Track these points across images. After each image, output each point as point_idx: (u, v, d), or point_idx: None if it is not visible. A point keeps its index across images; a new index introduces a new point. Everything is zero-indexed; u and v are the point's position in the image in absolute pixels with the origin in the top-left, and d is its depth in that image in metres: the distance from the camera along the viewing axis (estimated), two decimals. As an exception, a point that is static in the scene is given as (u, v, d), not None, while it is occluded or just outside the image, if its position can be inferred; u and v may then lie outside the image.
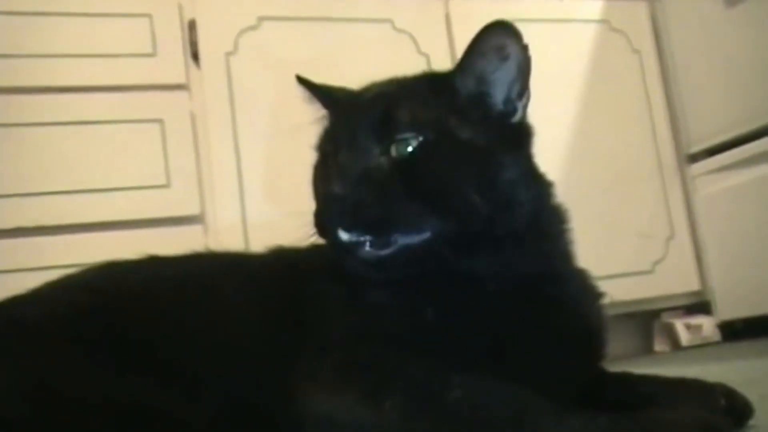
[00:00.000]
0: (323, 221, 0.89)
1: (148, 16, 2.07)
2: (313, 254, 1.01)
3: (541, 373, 0.84)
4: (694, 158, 2.47)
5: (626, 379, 0.97)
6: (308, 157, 2.06)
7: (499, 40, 0.93)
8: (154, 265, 1.03)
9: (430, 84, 0.97)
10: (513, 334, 0.86)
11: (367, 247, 0.86)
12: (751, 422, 0.88)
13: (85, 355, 0.83)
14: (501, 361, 0.83)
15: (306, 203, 2.09)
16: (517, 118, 0.94)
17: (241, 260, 1.06)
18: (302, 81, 1.07)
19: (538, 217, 0.93)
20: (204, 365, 0.87)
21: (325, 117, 1.04)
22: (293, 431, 0.79)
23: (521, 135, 0.95)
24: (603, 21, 2.53)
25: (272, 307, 0.93)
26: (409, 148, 0.87)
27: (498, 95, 0.94)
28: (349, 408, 0.78)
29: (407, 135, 0.88)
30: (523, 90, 0.94)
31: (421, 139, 0.87)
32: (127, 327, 0.88)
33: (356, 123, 0.93)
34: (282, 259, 1.03)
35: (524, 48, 0.93)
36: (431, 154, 0.87)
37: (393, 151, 0.88)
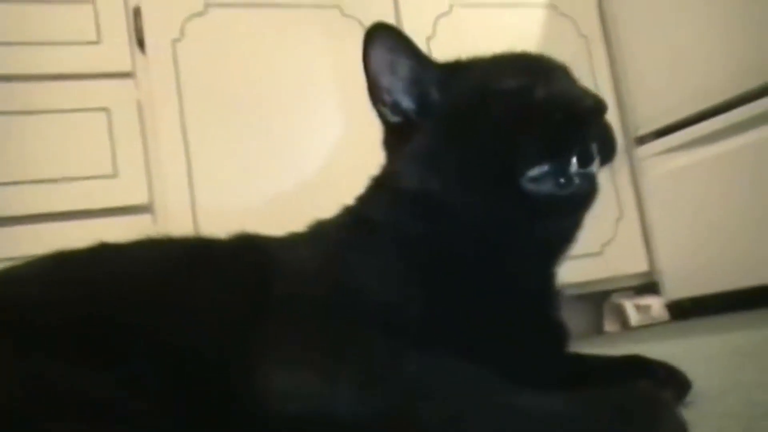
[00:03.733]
0: (600, 104, 0.91)
1: (92, 2, 2.04)
2: (278, 240, 1.01)
3: (515, 361, 0.85)
4: (642, 140, 2.50)
5: (575, 358, 0.99)
6: (256, 144, 2.05)
7: None
8: (106, 253, 1.01)
9: None
10: (492, 323, 0.88)
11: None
12: (692, 396, 0.90)
13: (35, 347, 0.82)
14: (475, 348, 0.85)
15: (254, 192, 2.09)
16: None
17: (203, 245, 1.06)
18: None
19: None
20: (163, 349, 0.86)
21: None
22: (254, 409, 0.79)
23: None
24: (551, 6, 2.54)
25: (236, 290, 0.93)
26: None
27: None
28: (306, 380, 0.78)
29: None
30: None
31: None
32: (79, 317, 0.87)
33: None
34: (246, 244, 1.03)
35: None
36: None
37: None
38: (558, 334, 0.98)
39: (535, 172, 0.88)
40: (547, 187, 0.89)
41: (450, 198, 0.93)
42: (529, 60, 1.00)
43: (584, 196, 0.93)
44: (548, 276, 0.99)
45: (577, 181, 0.90)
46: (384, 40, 1.00)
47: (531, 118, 0.90)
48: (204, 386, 0.83)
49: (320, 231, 1.03)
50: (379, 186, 1.03)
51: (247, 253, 1.00)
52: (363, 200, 1.03)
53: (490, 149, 0.91)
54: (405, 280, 0.89)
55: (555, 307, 0.99)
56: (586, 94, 0.93)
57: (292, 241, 1.03)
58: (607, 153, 0.94)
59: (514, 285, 0.93)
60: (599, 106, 0.91)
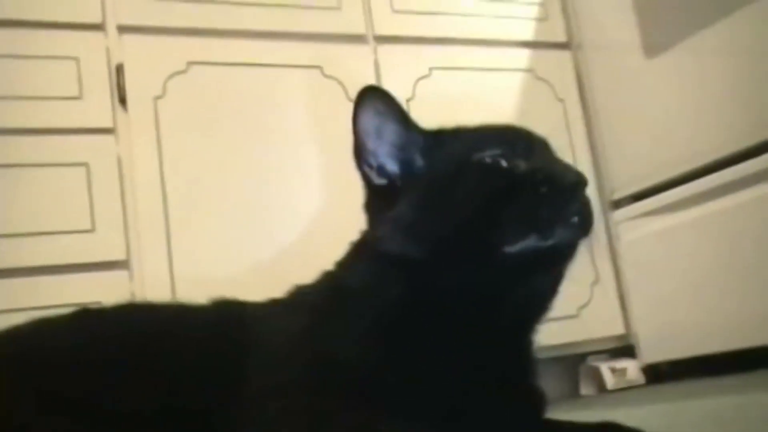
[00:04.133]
0: (581, 178, 0.94)
1: (75, 59, 2.04)
2: (257, 307, 1.01)
3: (491, 428, 0.85)
4: (617, 204, 2.52)
5: (551, 425, 0.99)
6: (233, 204, 2.06)
7: None
8: (87, 319, 1.01)
9: None
10: (469, 392, 0.88)
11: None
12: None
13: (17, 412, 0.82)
14: (451, 415, 0.85)
15: (235, 249, 2.08)
16: None
17: (182, 312, 1.05)
18: None
19: None
20: (142, 418, 0.85)
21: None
22: None
23: None
24: (528, 70, 2.58)
25: (214, 358, 0.93)
26: None
27: None
28: None
29: None
30: None
31: None
32: (60, 386, 0.86)
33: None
34: (225, 311, 1.03)
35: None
36: None
37: None
38: (535, 401, 0.98)
39: (516, 247, 0.89)
40: (529, 243, 0.90)
41: (430, 265, 0.93)
42: (511, 132, 1.01)
43: (566, 246, 0.94)
44: (526, 343, 1.00)
45: (558, 232, 0.90)
46: (374, 103, 1.01)
47: (513, 193, 0.91)
48: None
49: (299, 298, 1.03)
50: (360, 251, 1.03)
51: (226, 320, 1.00)
52: (342, 266, 1.04)
53: (472, 222, 0.92)
54: (382, 349, 0.89)
55: (532, 374, 0.99)
56: (567, 168, 0.94)
57: (271, 307, 1.03)
58: (586, 228, 0.95)
59: (492, 353, 0.93)
60: (580, 181, 0.92)
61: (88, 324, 0.99)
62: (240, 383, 0.87)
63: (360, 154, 1.01)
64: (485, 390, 0.90)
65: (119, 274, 1.97)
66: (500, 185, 0.92)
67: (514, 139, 0.99)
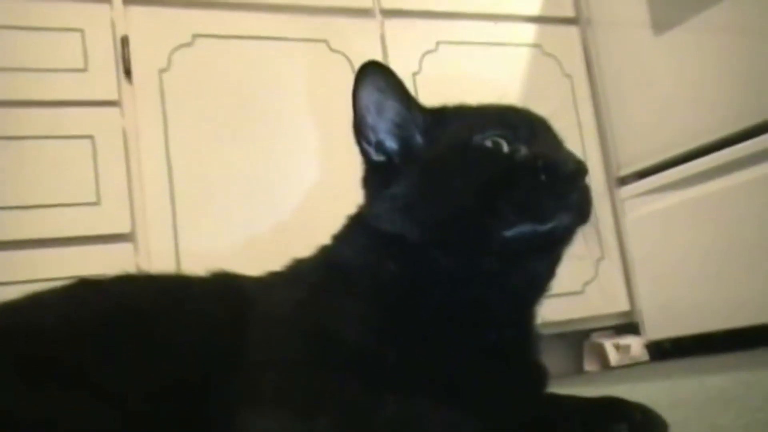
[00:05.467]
0: (581, 167, 0.91)
1: (80, 31, 2.04)
2: (256, 281, 1.01)
3: (491, 404, 0.85)
4: (624, 181, 2.52)
5: (553, 400, 0.99)
6: (238, 177, 2.05)
7: None
8: (84, 289, 1.01)
9: None
10: (468, 367, 0.89)
11: None
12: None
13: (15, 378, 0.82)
14: (450, 391, 0.85)
15: (237, 222, 2.08)
16: None
17: (181, 283, 1.05)
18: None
19: None
20: (140, 389, 0.86)
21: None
22: None
23: None
24: (536, 45, 2.57)
25: (213, 330, 0.93)
26: None
27: None
28: (283, 425, 0.78)
29: None
30: None
31: None
32: (55, 356, 0.87)
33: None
34: (225, 284, 1.03)
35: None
36: None
37: None
38: (536, 375, 0.98)
39: (512, 232, 0.89)
40: (527, 227, 0.89)
41: (426, 246, 0.93)
42: (513, 115, 1.00)
43: (564, 231, 0.93)
44: (527, 317, 1.00)
45: (557, 217, 0.90)
46: (375, 79, 1.00)
47: (513, 179, 0.90)
48: (181, 425, 0.83)
49: (297, 272, 1.03)
50: (357, 226, 1.03)
51: (225, 293, 1.00)
52: (340, 240, 1.03)
53: (470, 206, 0.91)
54: (381, 326, 0.89)
55: (534, 349, 0.99)
56: (568, 156, 0.93)
57: (270, 281, 1.03)
58: (584, 214, 0.94)
59: (492, 328, 0.93)
60: (580, 169, 0.91)
61: (86, 294, 0.99)
62: (238, 356, 0.87)
63: (359, 129, 1.01)
64: (485, 366, 0.90)
65: (124, 247, 1.98)
66: (500, 171, 0.92)
67: (516, 122, 0.98)
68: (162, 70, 2.09)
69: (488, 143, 0.94)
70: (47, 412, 0.79)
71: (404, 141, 1.00)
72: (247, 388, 0.83)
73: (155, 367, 0.88)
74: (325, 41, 2.28)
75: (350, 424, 0.75)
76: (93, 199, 1.97)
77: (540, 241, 0.90)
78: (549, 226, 0.89)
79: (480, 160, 0.93)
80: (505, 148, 0.93)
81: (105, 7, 2.08)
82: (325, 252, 1.03)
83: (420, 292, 0.92)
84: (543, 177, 0.89)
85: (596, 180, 2.52)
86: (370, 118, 1.00)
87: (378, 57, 2.30)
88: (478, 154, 0.94)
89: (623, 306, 2.51)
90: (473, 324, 0.92)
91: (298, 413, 0.78)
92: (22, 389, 0.80)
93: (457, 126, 0.99)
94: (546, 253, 0.96)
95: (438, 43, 2.40)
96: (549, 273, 0.99)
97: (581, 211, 0.93)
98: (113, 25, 2.08)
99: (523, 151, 0.93)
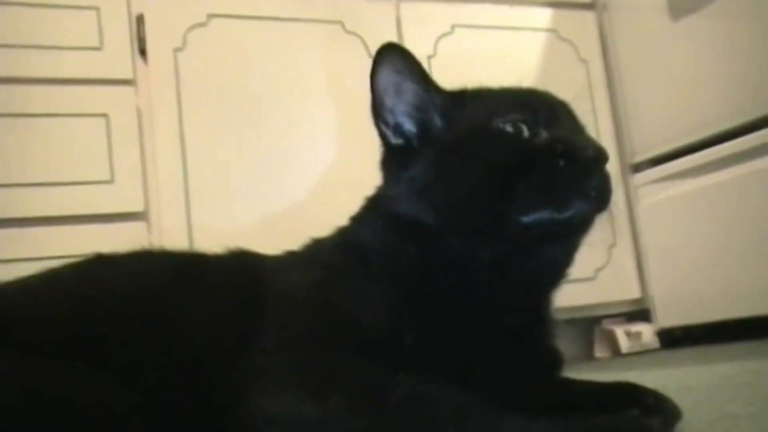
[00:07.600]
0: (602, 153, 0.92)
1: (96, 9, 2.04)
2: (272, 259, 1.01)
3: (505, 387, 0.86)
4: (637, 168, 2.51)
5: (566, 384, 0.99)
6: (251, 157, 2.05)
7: None
8: (102, 264, 1.01)
9: None
10: (483, 351, 0.89)
11: None
12: (680, 426, 0.90)
13: (32, 356, 0.82)
14: (464, 374, 0.85)
15: (250, 202, 2.08)
16: None
17: (198, 260, 1.06)
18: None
19: None
20: (156, 366, 0.86)
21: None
22: (243, 429, 0.79)
23: None
24: (552, 30, 2.56)
25: (229, 308, 0.93)
26: None
27: None
28: (296, 404, 0.78)
29: None
30: None
31: None
32: (76, 328, 0.87)
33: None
34: (240, 262, 1.03)
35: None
36: None
37: None
38: (550, 360, 0.98)
39: (530, 218, 0.88)
40: (545, 214, 0.89)
41: (443, 230, 0.93)
42: (534, 98, 0.99)
43: (582, 218, 0.93)
44: (543, 303, 0.99)
45: (575, 204, 0.89)
46: (393, 60, 0.99)
47: (532, 164, 0.90)
48: (195, 402, 0.84)
49: (314, 252, 1.03)
50: (374, 208, 1.02)
51: (242, 271, 1.00)
52: (358, 221, 1.03)
53: (488, 190, 0.91)
54: (396, 308, 0.89)
55: (549, 334, 0.99)
56: (588, 141, 0.92)
57: (287, 260, 1.03)
58: (603, 202, 0.93)
59: (507, 313, 0.93)
60: (601, 156, 0.91)
61: (102, 270, 0.99)
62: (253, 334, 0.87)
63: (377, 111, 1.00)
64: (499, 350, 0.90)
65: (137, 225, 1.98)
66: (519, 155, 0.91)
67: (536, 106, 0.97)
68: (177, 50, 2.09)
69: (508, 127, 0.93)
70: (64, 390, 0.79)
71: (423, 123, 1.00)
72: (260, 367, 0.83)
73: (170, 344, 0.88)
74: (340, 22, 2.28)
75: (363, 405, 0.75)
76: (107, 177, 1.97)
77: (558, 228, 0.90)
78: (567, 214, 0.89)
79: (499, 144, 0.93)
80: (525, 132, 0.93)
81: (120, -16, 2.08)
82: (342, 233, 1.03)
83: (436, 275, 0.92)
84: (562, 163, 0.88)
85: (610, 166, 2.51)
86: (389, 101, 1.00)
87: (393, 39, 2.29)
88: (497, 138, 0.93)
89: (635, 293, 2.51)
90: (489, 309, 0.92)
91: (310, 393, 0.78)
92: (40, 366, 0.81)
93: (476, 109, 0.98)
94: (564, 240, 0.95)
95: (453, 27, 2.39)
96: (567, 260, 0.98)
97: (600, 198, 0.92)
98: (129, 4, 2.08)
99: (543, 135, 0.92)
